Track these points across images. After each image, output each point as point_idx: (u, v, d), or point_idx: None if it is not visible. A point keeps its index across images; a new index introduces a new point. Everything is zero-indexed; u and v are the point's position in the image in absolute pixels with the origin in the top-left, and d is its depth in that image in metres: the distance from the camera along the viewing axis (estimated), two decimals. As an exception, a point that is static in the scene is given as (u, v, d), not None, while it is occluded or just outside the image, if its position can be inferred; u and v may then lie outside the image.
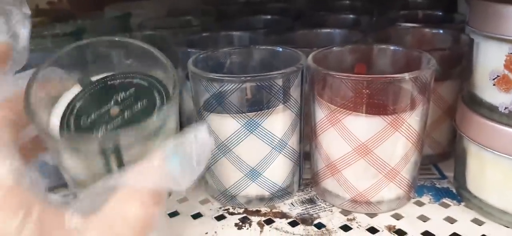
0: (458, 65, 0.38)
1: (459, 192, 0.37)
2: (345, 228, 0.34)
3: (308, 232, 0.34)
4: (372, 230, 0.33)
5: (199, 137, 0.23)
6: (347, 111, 0.33)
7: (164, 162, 0.22)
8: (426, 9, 0.56)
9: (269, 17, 0.56)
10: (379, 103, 0.33)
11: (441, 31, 0.43)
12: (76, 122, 0.25)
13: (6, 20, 0.26)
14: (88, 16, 0.58)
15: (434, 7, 0.56)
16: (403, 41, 0.45)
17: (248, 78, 0.33)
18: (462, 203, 0.36)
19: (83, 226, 0.20)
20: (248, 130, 0.34)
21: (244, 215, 0.36)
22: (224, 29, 0.49)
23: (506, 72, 0.30)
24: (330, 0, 0.67)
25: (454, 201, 0.36)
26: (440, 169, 0.41)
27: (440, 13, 0.53)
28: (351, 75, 0.33)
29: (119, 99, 0.26)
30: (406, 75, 0.32)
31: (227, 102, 0.34)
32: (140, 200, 0.21)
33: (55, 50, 0.44)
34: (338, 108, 0.34)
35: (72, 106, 0.26)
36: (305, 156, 0.40)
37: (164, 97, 0.26)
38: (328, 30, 0.46)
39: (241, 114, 0.34)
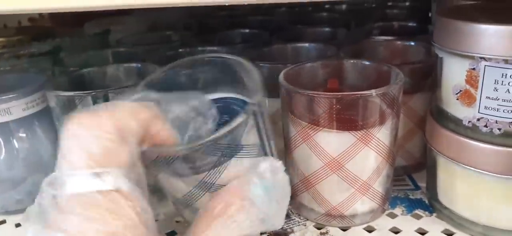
0: (428, 78, 0.39)
1: (431, 203, 0.38)
2: (318, 242, 0.34)
3: (282, 248, 0.34)
4: (345, 244, 0.34)
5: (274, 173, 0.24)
6: (317, 127, 0.34)
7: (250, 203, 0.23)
8: (401, 21, 0.57)
9: (247, 31, 0.56)
10: (348, 118, 0.33)
11: (412, 44, 0.44)
12: None
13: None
14: (67, 33, 0.58)
15: (410, 19, 0.57)
16: (376, 53, 0.46)
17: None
18: (434, 214, 0.37)
19: None
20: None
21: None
22: (202, 44, 0.49)
23: (468, 87, 0.30)
24: (308, 13, 0.68)
25: (427, 212, 0.37)
26: (414, 180, 0.42)
27: (415, 25, 0.54)
28: (319, 92, 0.33)
29: None
30: (373, 92, 0.32)
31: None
32: None
33: (31, 70, 0.44)
34: (309, 124, 0.34)
35: None
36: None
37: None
38: (303, 44, 0.47)
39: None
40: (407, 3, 0.71)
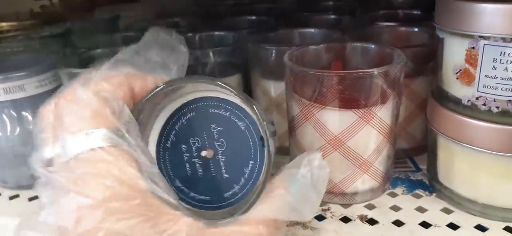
0: (430, 62, 0.39)
1: (431, 184, 0.39)
2: (320, 218, 0.35)
3: (284, 222, 0.35)
4: (345, 219, 0.35)
5: (315, 164, 0.26)
6: (320, 105, 0.35)
7: (286, 191, 0.24)
8: (406, 9, 0.57)
9: (253, 17, 0.57)
10: (350, 97, 0.34)
11: (416, 29, 0.45)
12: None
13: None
14: (78, 19, 0.59)
15: (414, 7, 0.57)
16: (380, 39, 0.46)
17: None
18: (434, 194, 0.38)
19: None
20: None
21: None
22: (209, 30, 0.50)
23: (467, 66, 0.31)
24: (315, 1, 0.68)
25: (426, 192, 0.38)
26: (415, 162, 0.43)
27: (419, 12, 0.55)
28: (323, 71, 0.34)
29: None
30: (375, 70, 0.33)
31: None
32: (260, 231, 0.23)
33: (43, 51, 0.46)
34: (312, 103, 0.35)
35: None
36: (285, 151, 0.41)
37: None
38: (308, 30, 0.47)
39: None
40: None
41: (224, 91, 0.27)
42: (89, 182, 0.21)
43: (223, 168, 0.27)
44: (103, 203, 0.21)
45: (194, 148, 0.27)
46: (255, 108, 0.25)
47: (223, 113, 0.27)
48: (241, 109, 0.27)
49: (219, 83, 0.25)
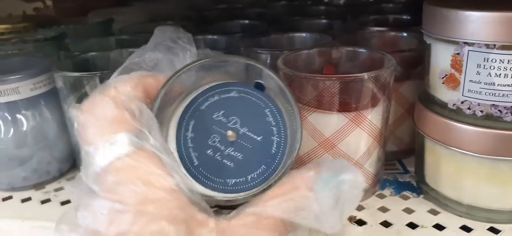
0: (418, 66, 0.41)
1: (418, 185, 0.40)
2: (310, 218, 0.36)
3: (276, 223, 0.36)
4: (335, 220, 0.36)
5: (351, 180, 0.24)
6: (312, 108, 0.35)
7: (313, 195, 0.23)
8: (396, 14, 0.59)
9: (246, 22, 0.58)
10: (342, 101, 0.35)
11: (404, 34, 0.46)
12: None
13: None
14: (71, 22, 0.60)
15: (404, 12, 0.59)
16: (370, 44, 0.47)
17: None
18: (421, 195, 0.39)
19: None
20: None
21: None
22: (202, 34, 0.51)
23: (453, 71, 0.32)
24: (306, 5, 0.70)
25: (414, 194, 0.39)
26: (404, 164, 0.44)
27: (409, 17, 0.56)
28: (315, 75, 0.35)
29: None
30: (365, 75, 0.34)
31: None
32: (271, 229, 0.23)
33: (37, 54, 0.46)
34: (304, 106, 0.36)
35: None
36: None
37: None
38: (300, 34, 0.48)
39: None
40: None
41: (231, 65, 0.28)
42: (119, 191, 0.22)
43: (247, 149, 0.27)
44: (134, 207, 0.21)
45: (216, 134, 0.28)
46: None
47: (236, 95, 0.28)
48: (248, 86, 0.28)
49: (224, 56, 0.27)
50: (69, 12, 0.73)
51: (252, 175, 0.27)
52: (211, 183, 0.27)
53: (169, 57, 0.28)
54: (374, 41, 0.48)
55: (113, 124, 0.24)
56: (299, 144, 0.27)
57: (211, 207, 0.25)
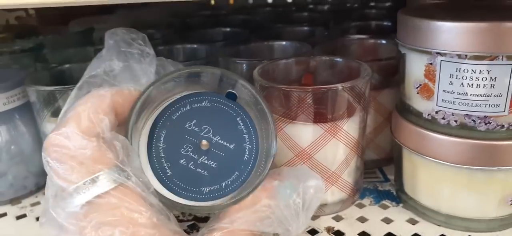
0: (396, 74, 0.40)
1: (398, 194, 0.39)
2: (287, 231, 0.36)
3: (253, 236, 0.35)
4: (312, 231, 0.35)
5: (311, 192, 0.26)
6: (288, 120, 0.35)
7: (274, 204, 0.25)
8: (378, 20, 0.59)
9: (228, 29, 0.58)
10: (317, 111, 0.35)
11: (384, 42, 0.46)
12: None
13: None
14: (52, 31, 0.59)
15: (386, 18, 0.59)
16: (350, 51, 0.47)
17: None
18: (400, 205, 0.38)
19: None
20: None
21: (193, 222, 0.38)
22: (183, 42, 0.51)
23: (427, 81, 0.32)
24: (290, 11, 0.69)
25: (393, 203, 0.39)
26: (384, 172, 0.44)
27: (390, 24, 0.56)
28: (289, 86, 0.35)
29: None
30: (340, 86, 0.34)
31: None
32: None
33: (13, 66, 0.45)
34: (280, 117, 0.36)
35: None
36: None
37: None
38: (280, 42, 0.48)
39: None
40: (387, 4, 0.73)
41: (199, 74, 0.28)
42: (102, 232, 0.22)
43: (220, 157, 0.28)
44: None
45: (188, 143, 0.28)
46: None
47: (208, 104, 0.28)
48: (220, 96, 0.28)
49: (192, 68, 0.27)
50: (51, 20, 0.72)
51: (226, 182, 0.28)
52: (185, 193, 0.27)
53: (130, 65, 0.27)
54: (354, 49, 0.48)
55: (93, 161, 0.23)
56: (274, 156, 0.27)
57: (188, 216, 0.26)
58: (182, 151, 0.28)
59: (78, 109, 0.25)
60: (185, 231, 0.36)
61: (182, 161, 0.27)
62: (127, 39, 0.28)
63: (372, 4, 0.75)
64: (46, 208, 0.24)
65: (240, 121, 0.28)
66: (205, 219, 0.38)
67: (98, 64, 0.28)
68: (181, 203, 0.27)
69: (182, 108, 0.28)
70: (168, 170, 0.27)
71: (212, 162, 0.28)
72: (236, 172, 0.28)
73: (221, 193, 0.27)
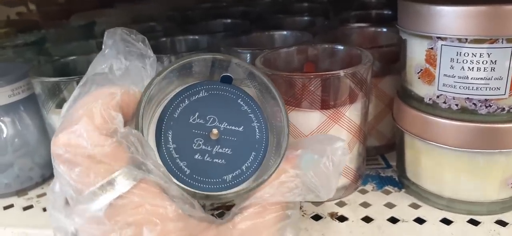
0: (397, 61, 0.41)
1: (400, 180, 0.40)
2: (292, 216, 0.36)
3: (257, 222, 0.36)
4: (316, 217, 0.36)
5: (339, 153, 0.27)
6: (290, 107, 0.35)
7: (297, 172, 0.26)
8: (378, 9, 0.59)
9: (229, 20, 0.58)
10: (319, 98, 0.35)
11: (384, 30, 0.46)
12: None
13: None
14: (54, 25, 0.59)
15: (386, 7, 0.59)
16: (350, 40, 0.48)
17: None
18: (403, 190, 0.39)
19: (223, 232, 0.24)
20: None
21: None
22: (184, 34, 0.51)
23: (427, 65, 0.32)
24: (290, 2, 0.70)
25: (396, 188, 0.39)
26: (386, 159, 0.44)
27: (390, 12, 0.56)
28: (292, 74, 0.35)
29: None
30: (342, 72, 0.34)
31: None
32: (273, 213, 0.25)
33: (17, 60, 0.46)
34: (283, 105, 0.36)
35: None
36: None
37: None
38: (280, 32, 0.48)
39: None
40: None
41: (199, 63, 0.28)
42: (129, 232, 0.22)
43: (233, 142, 0.28)
44: None
45: (198, 137, 0.27)
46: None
47: (205, 94, 0.28)
48: (215, 83, 0.28)
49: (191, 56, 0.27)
50: (53, 15, 0.73)
51: (246, 164, 0.28)
52: (209, 186, 0.27)
53: (133, 65, 0.27)
54: (355, 37, 0.48)
55: (112, 159, 0.22)
56: (287, 139, 0.27)
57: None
58: (194, 146, 0.27)
59: (88, 106, 0.23)
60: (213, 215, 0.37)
61: (197, 156, 0.27)
62: (127, 39, 0.28)
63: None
64: (57, 217, 0.24)
65: (242, 102, 0.28)
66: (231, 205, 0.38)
67: (102, 62, 0.28)
68: (207, 194, 0.27)
69: (181, 104, 0.28)
70: (185, 169, 0.27)
71: (227, 149, 0.28)
72: (253, 153, 0.28)
73: (244, 177, 0.27)
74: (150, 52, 0.28)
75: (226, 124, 0.28)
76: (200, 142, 0.27)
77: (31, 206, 0.41)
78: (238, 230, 0.25)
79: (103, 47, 0.28)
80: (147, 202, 0.22)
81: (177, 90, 0.28)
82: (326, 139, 0.28)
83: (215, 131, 0.28)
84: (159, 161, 0.26)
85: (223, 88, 0.28)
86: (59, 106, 0.38)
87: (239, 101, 0.28)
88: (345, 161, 0.28)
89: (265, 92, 0.28)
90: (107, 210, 0.22)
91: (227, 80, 0.28)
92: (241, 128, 0.28)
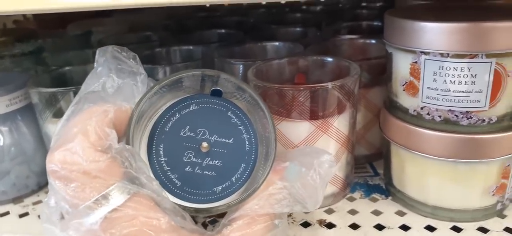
0: (384, 73, 0.42)
1: (387, 188, 0.41)
2: (281, 224, 0.37)
3: (248, 229, 0.37)
4: (305, 224, 0.37)
5: (326, 166, 0.28)
6: (281, 117, 0.37)
7: (283, 183, 0.27)
8: (369, 20, 0.60)
9: (223, 31, 0.59)
10: (308, 109, 0.36)
11: (374, 41, 0.47)
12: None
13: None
14: (51, 34, 0.60)
15: (377, 18, 0.60)
16: (340, 51, 0.49)
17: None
18: (389, 197, 0.40)
19: None
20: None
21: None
22: (180, 44, 0.52)
23: (412, 78, 0.34)
24: (284, 13, 0.71)
25: (383, 196, 0.40)
26: (375, 167, 0.45)
27: (381, 24, 0.57)
28: (282, 86, 0.36)
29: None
30: (329, 84, 0.35)
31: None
32: (262, 224, 0.26)
33: (14, 69, 0.47)
34: (273, 115, 0.37)
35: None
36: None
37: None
38: (273, 43, 0.50)
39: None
40: (378, 4, 0.75)
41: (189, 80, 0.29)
42: None
43: (223, 154, 0.28)
44: None
45: (188, 150, 0.28)
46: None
47: (196, 107, 0.29)
48: (205, 96, 0.29)
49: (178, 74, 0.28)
50: (49, 24, 0.74)
51: (236, 176, 0.28)
52: (200, 197, 0.28)
53: (125, 83, 0.28)
54: (345, 48, 0.49)
55: (107, 174, 0.23)
56: (275, 151, 0.28)
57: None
58: (185, 159, 0.28)
59: (83, 124, 0.24)
60: (203, 224, 0.38)
61: (187, 168, 0.28)
62: (119, 57, 0.29)
63: (364, 4, 0.77)
64: (53, 231, 0.24)
65: (231, 115, 0.29)
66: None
67: (94, 80, 0.29)
68: (197, 208, 0.27)
69: (172, 118, 0.29)
70: (176, 181, 0.28)
71: (217, 161, 0.28)
72: (243, 164, 0.28)
73: (233, 188, 0.28)
74: (141, 69, 0.29)
75: (216, 137, 0.29)
76: (191, 155, 0.28)
77: (27, 213, 0.42)
78: None
79: (95, 65, 0.29)
80: (141, 215, 0.23)
81: (168, 104, 0.29)
82: (313, 152, 0.29)
83: (205, 144, 0.28)
84: (151, 175, 0.27)
85: (213, 102, 0.29)
86: (56, 115, 0.39)
87: (229, 113, 0.29)
88: (332, 173, 0.29)
89: (255, 104, 0.29)
90: (102, 223, 0.23)
91: (217, 93, 0.29)
92: (231, 140, 0.29)
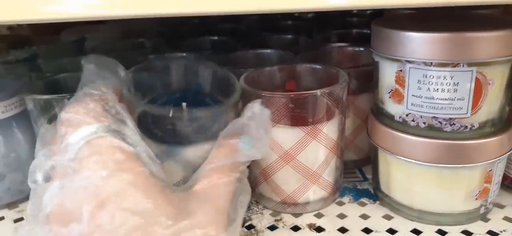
0: (372, 80, 0.43)
1: (375, 192, 0.42)
2: (272, 227, 0.38)
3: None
4: (295, 228, 0.38)
5: (256, 111, 0.32)
6: (272, 123, 0.38)
7: (237, 143, 0.31)
8: (359, 28, 0.61)
9: (215, 38, 0.60)
10: (298, 115, 0.37)
11: (362, 49, 0.49)
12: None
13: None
14: (44, 41, 0.61)
15: (367, 26, 0.61)
16: (330, 58, 0.50)
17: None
18: (377, 202, 0.41)
19: (186, 197, 0.28)
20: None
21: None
22: (173, 51, 0.53)
23: (397, 86, 0.35)
24: (276, 20, 0.72)
25: (371, 200, 0.41)
26: (363, 172, 0.47)
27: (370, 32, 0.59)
28: (272, 93, 0.37)
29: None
30: (318, 92, 0.36)
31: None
32: (225, 173, 0.30)
33: (9, 75, 0.47)
34: (264, 122, 0.38)
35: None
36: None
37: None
38: (264, 50, 0.51)
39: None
40: (368, 12, 0.76)
41: None
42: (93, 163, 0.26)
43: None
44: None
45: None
46: None
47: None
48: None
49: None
50: (44, 30, 0.74)
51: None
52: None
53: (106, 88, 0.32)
54: (335, 56, 0.51)
55: (94, 116, 0.28)
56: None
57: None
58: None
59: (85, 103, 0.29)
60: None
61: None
62: (102, 62, 0.34)
63: (354, 12, 0.78)
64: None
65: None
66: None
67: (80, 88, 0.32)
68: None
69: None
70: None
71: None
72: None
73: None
74: (120, 70, 0.35)
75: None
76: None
77: (21, 219, 0.42)
78: (197, 193, 0.29)
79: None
80: (116, 150, 0.27)
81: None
82: (245, 119, 0.32)
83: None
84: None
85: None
86: (50, 122, 0.40)
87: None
88: (267, 116, 0.32)
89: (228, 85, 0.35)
90: (83, 146, 0.27)
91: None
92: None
